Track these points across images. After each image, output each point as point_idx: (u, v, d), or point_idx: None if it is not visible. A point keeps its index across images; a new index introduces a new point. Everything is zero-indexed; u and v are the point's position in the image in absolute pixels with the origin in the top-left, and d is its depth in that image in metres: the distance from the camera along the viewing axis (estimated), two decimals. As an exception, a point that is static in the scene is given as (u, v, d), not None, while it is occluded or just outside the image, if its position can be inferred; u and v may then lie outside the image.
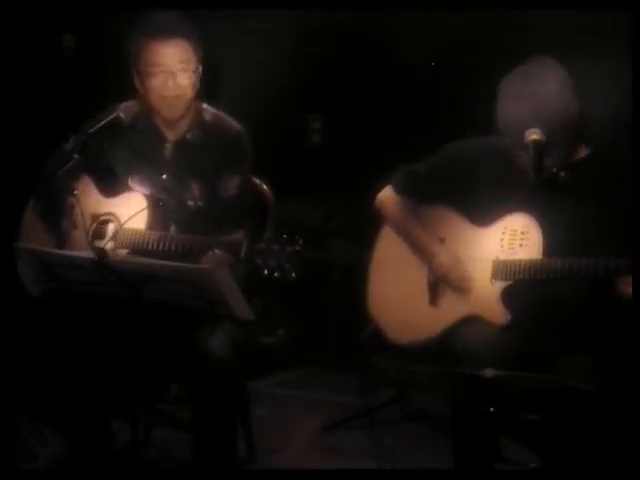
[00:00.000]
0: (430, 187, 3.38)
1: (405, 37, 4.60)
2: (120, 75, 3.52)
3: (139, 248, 3.31)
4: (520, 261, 3.13)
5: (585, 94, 3.11)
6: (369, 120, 4.75)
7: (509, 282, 3.15)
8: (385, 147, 4.63)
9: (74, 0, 4.41)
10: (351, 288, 3.72)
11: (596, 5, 3.76)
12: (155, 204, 3.40)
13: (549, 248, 3.10)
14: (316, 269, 3.67)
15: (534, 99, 3.04)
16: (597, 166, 3.15)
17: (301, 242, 3.03)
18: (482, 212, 3.25)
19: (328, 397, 4.41)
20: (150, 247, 3.30)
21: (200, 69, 3.43)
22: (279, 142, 4.66)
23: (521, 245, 3.16)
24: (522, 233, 3.16)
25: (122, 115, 3.39)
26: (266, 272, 3.03)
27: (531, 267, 3.11)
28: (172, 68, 3.36)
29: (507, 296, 3.15)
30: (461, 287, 3.24)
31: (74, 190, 3.41)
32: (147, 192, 3.44)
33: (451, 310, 3.26)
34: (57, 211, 3.42)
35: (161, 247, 3.29)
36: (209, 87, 3.53)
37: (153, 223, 3.37)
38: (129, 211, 3.35)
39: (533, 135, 3.02)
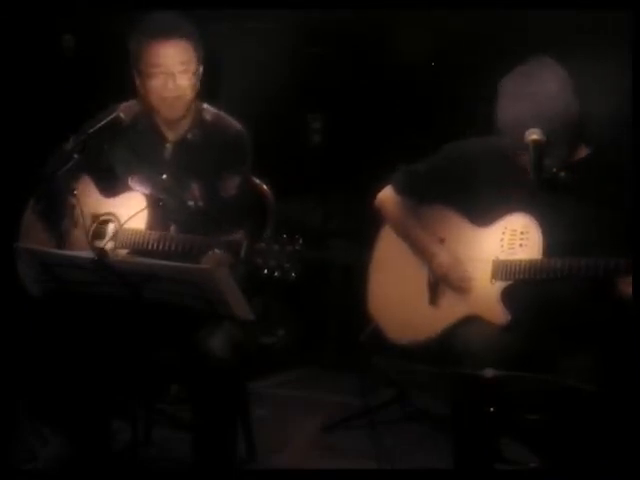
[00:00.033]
0: (430, 187, 3.38)
1: (405, 37, 4.60)
2: (120, 75, 3.52)
3: (139, 248, 3.31)
4: (520, 261, 3.13)
5: (585, 94, 3.11)
6: (369, 120, 4.75)
7: (509, 282, 3.15)
8: (385, 147, 4.63)
9: (74, 0, 4.42)
10: (351, 288, 3.72)
11: (596, 5, 3.76)
12: (155, 204, 3.40)
13: (549, 248, 3.10)
14: (316, 269, 3.67)
15: (534, 99, 3.04)
16: (597, 166, 3.15)
17: (301, 242, 3.03)
18: (482, 212, 3.25)
19: (328, 397, 4.41)
20: (150, 247, 3.30)
21: (201, 70, 3.43)
22: (279, 142, 4.66)
23: (521, 245, 3.16)
24: (522, 233, 3.16)
25: (122, 115, 3.39)
26: (266, 272, 3.03)
27: (531, 267, 3.11)
28: (172, 69, 3.36)
29: (507, 296, 3.15)
30: (461, 287, 3.24)
31: (74, 190, 3.41)
32: (147, 192, 3.44)
33: (451, 310, 3.26)
34: (57, 211, 3.42)
35: (161, 247, 3.29)
36: (209, 87, 3.53)
37: (153, 223, 3.37)
38: (129, 211, 3.35)
39: (533, 135, 3.03)
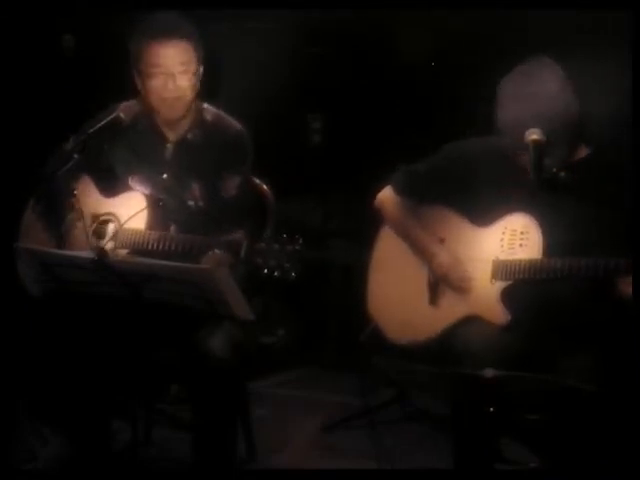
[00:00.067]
0: (430, 187, 3.38)
1: (405, 37, 4.60)
2: (120, 75, 3.52)
3: (139, 248, 3.31)
4: (520, 261, 3.13)
5: (585, 94, 3.11)
6: (369, 120, 4.75)
7: (509, 282, 3.15)
8: (385, 147, 4.63)
9: (74, 0, 4.42)
10: (351, 288, 3.72)
11: (596, 5, 3.76)
12: (155, 204, 3.40)
13: (549, 248, 3.10)
14: (316, 269, 3.67)
15: (534, 99, 3.04)
16: (597, 166, 3.15)
17: (301, 241, 3.03)
18: (482, 212, 3.25)
19: (328, 397, 4.41)
20: (150, 247, 3.30)
21: (201, 70, 3.43)
22: (279, 142, 4.66)
23: (521, 245, 3.16)
24: (522, 233, 3.16)
25: (122, 115, 3.39)
26: (266, 271, 3.03)
27: (531, 267, 3.11)
28: (172, 70, 3.35)
29: (507, 296, 3.15)
30: (461, 287, 3.24)
31: (74, 190, 3.41)
32: (147, 192, 3.44)
33: (451, 310, 3.26)
34: (57, 211, 3.42)
35: (161, 247, 3.29)
36: (209, 87, 3.53)
37: (153, 223, 3.37)
38: (129, 211, 3.34)
39: (533, 135, 3.02)
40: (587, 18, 3.98)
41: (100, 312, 3.22)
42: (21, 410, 3.71)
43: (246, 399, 3.60)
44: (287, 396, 4.47)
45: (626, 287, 2.95)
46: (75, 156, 3.25)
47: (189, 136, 3.50)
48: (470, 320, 3.20)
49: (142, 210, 3.35)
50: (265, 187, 3.64)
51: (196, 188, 3.46)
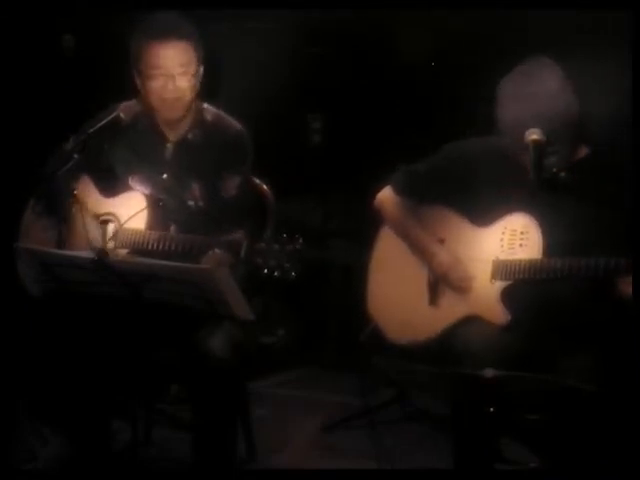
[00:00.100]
0: (430, 187, 3.38)
1: (405, 37, 4.60)
2: (120, 75, 3.52)
3: (139, 248, 3.31)
4: (520, 261, 3.13)
5: (585, 94, 3.11)
6: (369, 120, 4.75)
7: (509, 282, 3.15)
8: (385, 147, 4.63)
9: (74, 0, 4.41)
10: (351, 288, 3.72)
11: (596, 5, 3.76)
12: (155, 204, 3.40)
13: (549, 248, 3.10)
14: (316, 269, 3.67)
15: (534, 99, 3.04)
16: (597, 166, 3.15)
17: (301, 241, 3.03)
18: (482, 212, 3.25)
19: (328, 397, 4.41)
20: (150, 247, 3.30)
21: (201, 70, 3.43)
22: (279, 142, 4.66)
23: (521, 245, 3.16)
24: (522, 233, 3.16)
25: (122, 115, 3.39)
26: (266, 271, 3.03)
27: (531, 267, 3.11)
28: (172, 71, 3.35)
29: (507, 296, 3.15)
30: (461, 287, 3.24)
31: (74, 190, 3.41)
32: (147, 192, 3.44)
33: (451, 310, 3.26)
34: (57, 211, 3.42)
35: (161, 247, 3.29)
36: (209, 87, 3.53)
37: (153, 223, 3.37)
38: (129, 211, 3.35)
39: (533, 135, 3.03)
40: (587, 18, 3.98)
41: (100, 312, 3.22)
42: (21, 410, 3.71)
43: (246, 399, 3.60)
44: (287, 396, 4.47)
45: (626, 287, 2.95)
46: (75, 156, 3.25)
47: (189, 136, 3.50)
48: (470, 320, 3.20)
49: (142, 210, 3.35)
50: (265, 187, 3.64)
51: (196, 188, 3.46)
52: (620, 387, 2.95)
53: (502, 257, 3.17)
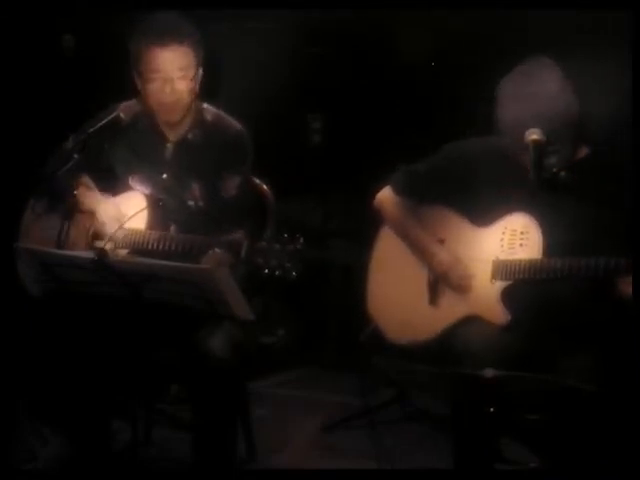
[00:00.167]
0: (430, 187, 3.38)
1: (405, 37, 4.60)
2: (120, 75, 3.52)
3: (139, 248, 3.31)
4: (520, 261, 3.13)
5: (585, 94, 3.11)
6: (369, 120, 4.75)
7: (509, 282, 3.15)
8: (385, 147, 4.63)
9: (74, 0, 4.42)
10: (351, 288, 3.72)
11: (596, 5, 3.76)
12: (155, 204, 3.40)
13: (549, 248, 3.10)
14: (316, 269, 3.67)
15: (534, 99, 3.04)
16: (597, 166, 3.15)
17: (302, 241, 3.03)
18: (482, 212, 3.25)
19: (328, 397, 4.41)
20: (150, 247, 3.30)
21: (200, 72, 3.42)
22: (279, 142, 4.66)
23: (521, 245, 3.16)
24: (522, 233, 3.16)
25: (122, 115, 3.38)
26: (267, 271, 3.03)
27: (531, 267, 3.11)
28: (171, 75, 3.34)
29: (507, 296, 3.15)
30: (461, 286, 3.24)
31: (74, 190, 3.41)
32: (147, 192, 3.44)
33: (451, 310, 3.26)
34: (57, 211, 3.42)
35: (161, 247, 3.29)
36: (209, 87, 3.53)
37: (153, 223, 3.37)
38: (129, 211, 3.34)
39: (533, 135, 3.03)
40: (587, 18, 3.98)
41: (100, 312, 3.22)
42: (21, 410, 3.71)
43: (246, 399, 3.60)
44: (287, 396, 4.47)
45: (626, 287, 2.95)
46: (75, 156, 3.25)
47: (189, 136, 3.50)
48: (470, 320, 3.20)
49: (142, 210, 3.35)
50: (265, 187, 3.64)
51: (196, 188, 3.46)
52: (620, 387, 2.95)
53: (502, 257, 3.17)
